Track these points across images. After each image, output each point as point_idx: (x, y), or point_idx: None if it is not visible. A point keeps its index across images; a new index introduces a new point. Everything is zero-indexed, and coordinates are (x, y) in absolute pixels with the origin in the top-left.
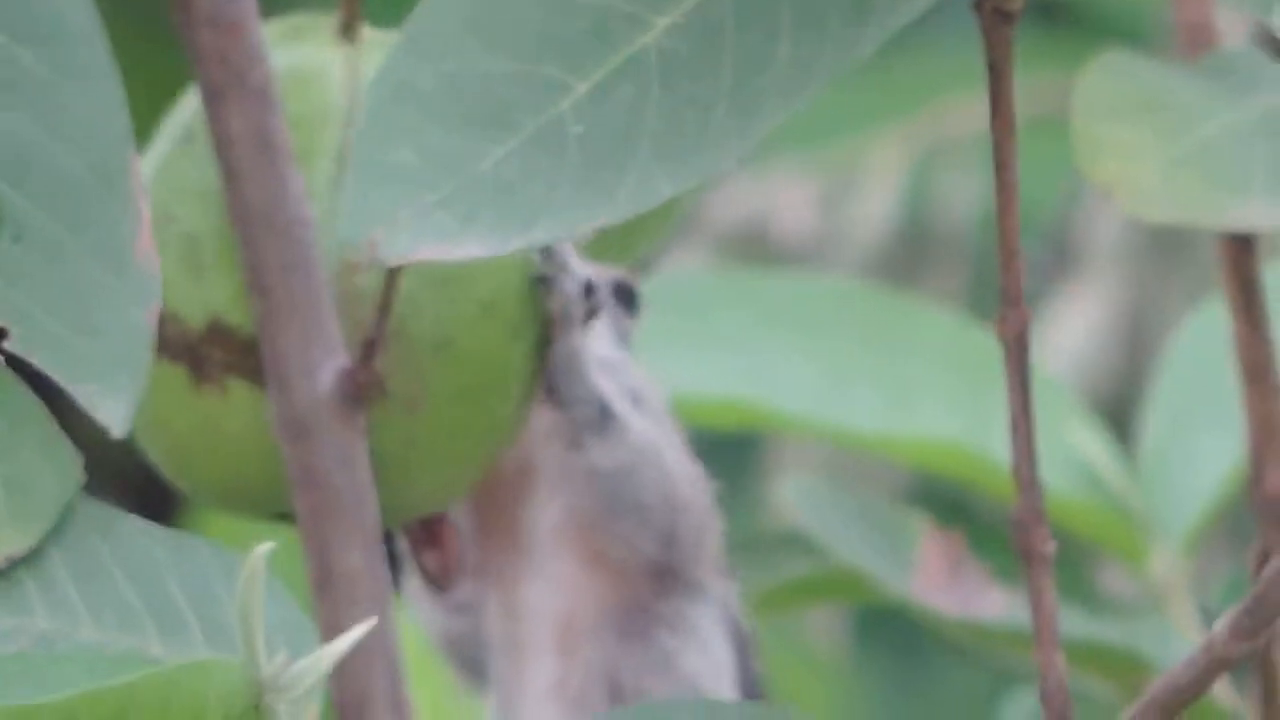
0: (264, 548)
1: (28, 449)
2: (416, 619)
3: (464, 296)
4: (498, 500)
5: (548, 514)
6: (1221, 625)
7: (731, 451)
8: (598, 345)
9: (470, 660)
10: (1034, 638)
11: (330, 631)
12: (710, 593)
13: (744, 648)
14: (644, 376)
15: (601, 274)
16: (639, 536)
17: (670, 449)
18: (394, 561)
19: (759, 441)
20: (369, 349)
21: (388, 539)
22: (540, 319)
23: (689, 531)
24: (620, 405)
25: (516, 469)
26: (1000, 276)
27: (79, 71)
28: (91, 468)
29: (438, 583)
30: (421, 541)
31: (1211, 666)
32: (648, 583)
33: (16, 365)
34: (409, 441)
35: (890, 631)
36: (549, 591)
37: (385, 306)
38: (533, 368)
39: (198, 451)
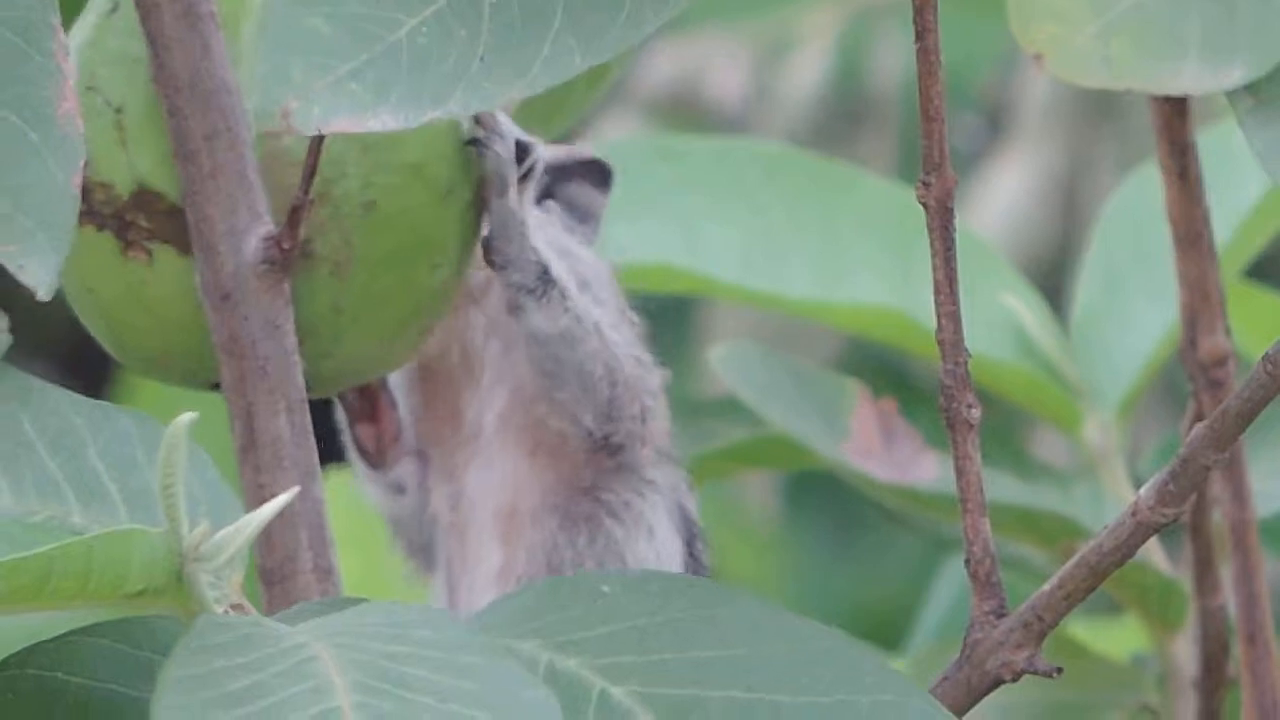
0: (186, 417)
1: None
2: (360, 492)
3: (391, 160)
4: (440, 386)
5: (491, 400)
6: (1147, 490)
7: (664, 317)
8: (547, 227)
9: (413, 542)
10: (959, 504)
11: (255, 498)
12: (657, 482)
13: (692, 539)
14: (593, 260)
15: (570, 151)
16: (579, 405)
17: (615, 329)
18: (334, 432)
19: (691, 307)
20: (294, 215)
21: (325, 409)
22: (472, 183)
23: (631, 408)
24: (560, 271)
25: (459, 355)
26: (923, 142)
27: None
28: (21, 339)
29: (372, 458)
30: (357, 415)
31: (1138, 531)
32: (591, 465)
33: None
34: (336, 307)
35: (824, 498)
36: (492, 478)
37: (309, 173)
38: (465, 233)
39: (127, 319)
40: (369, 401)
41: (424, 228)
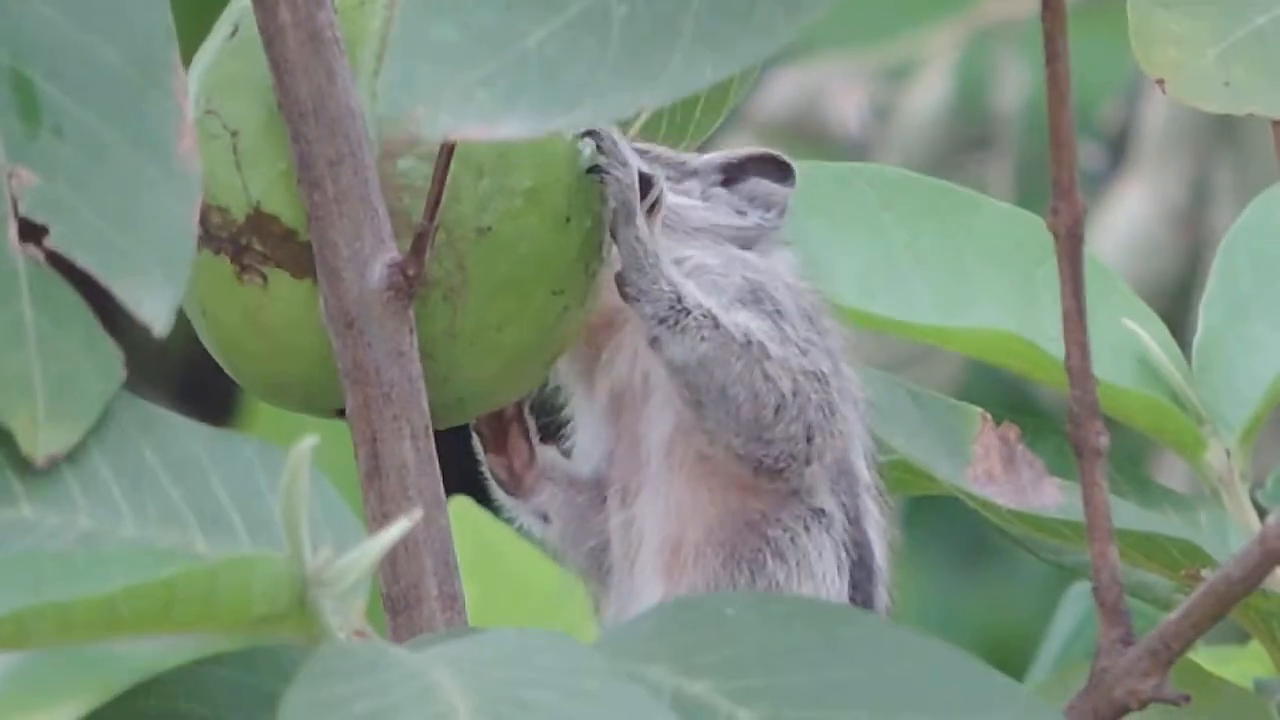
0: (308, 441)
1: (70, 348)
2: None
3: (507, 185)
4: (626, 412)
5: (659, 426)
6: (1275, 518)
7: None
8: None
9: (584, 568)
10: (1087, 531)
11: (380, 525)
12: (828, 511)
13: (863, 580)
14: (768, 265)
15: (744, 150)
16: (725, 429)
17: (782, 343)
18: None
19: None
20: (420, 241)
21: (452, 436)
22: (593, 212)
23: (789, 428)
24: (695, 298)
25: (641, 380)
26: (1052, 168)
27: None
28: (144, 368)
29: (508, 487)
30: (489, 445)
31: (1265, 559)
32: (757, 494)
33: (60, 264)
34: (450, 331)
35: (947, 522)
36: (660, 507)
37: (435, 199)
38: (587, 261)
39: (244, 344)
40: (500, 431)
41: (541, 254)
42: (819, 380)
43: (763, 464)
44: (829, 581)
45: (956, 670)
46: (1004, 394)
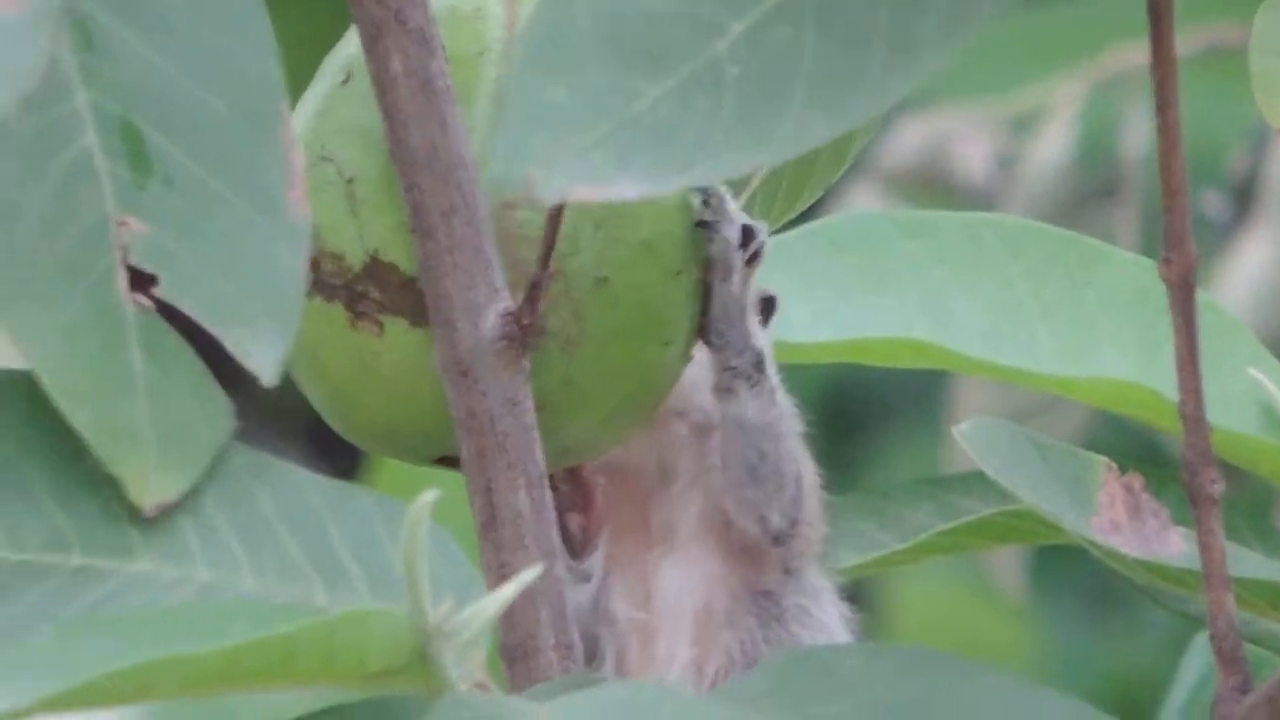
0: (428, 495)
1: (178, 396)
2: None
3: (624, 236)
4: (630, 489)
5: (687, 505)
6: None
7: (910, 392)
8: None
9: (581, 631)
10: (1203, 579)
11: (496, 576)
12: (823, 590)
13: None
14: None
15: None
16: (768, 502)
17: (800, 436)
18: None
19: (938, 381)
20: (534, 290)
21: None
22: (700, 263)
23: (809, 513)
24: (773, 366)
25: (656, 462)
26: (1164, 218)
27: (227, 16)
28: (266, 421)
29: (575, 545)
30: (569, 501)
31: None
32: (767, 568)
33: (169, 312)
34: (565, 381)
35: (1073, 571)
36: (688, 579)
37: (548, 249)
38: (692, 312)
39: (353, 392)
40: (581, 487)
41: (653, 305)
42: (817, 474)
43: (786, 541)
44: (839, 635)
45: None
46: (1129, 443)
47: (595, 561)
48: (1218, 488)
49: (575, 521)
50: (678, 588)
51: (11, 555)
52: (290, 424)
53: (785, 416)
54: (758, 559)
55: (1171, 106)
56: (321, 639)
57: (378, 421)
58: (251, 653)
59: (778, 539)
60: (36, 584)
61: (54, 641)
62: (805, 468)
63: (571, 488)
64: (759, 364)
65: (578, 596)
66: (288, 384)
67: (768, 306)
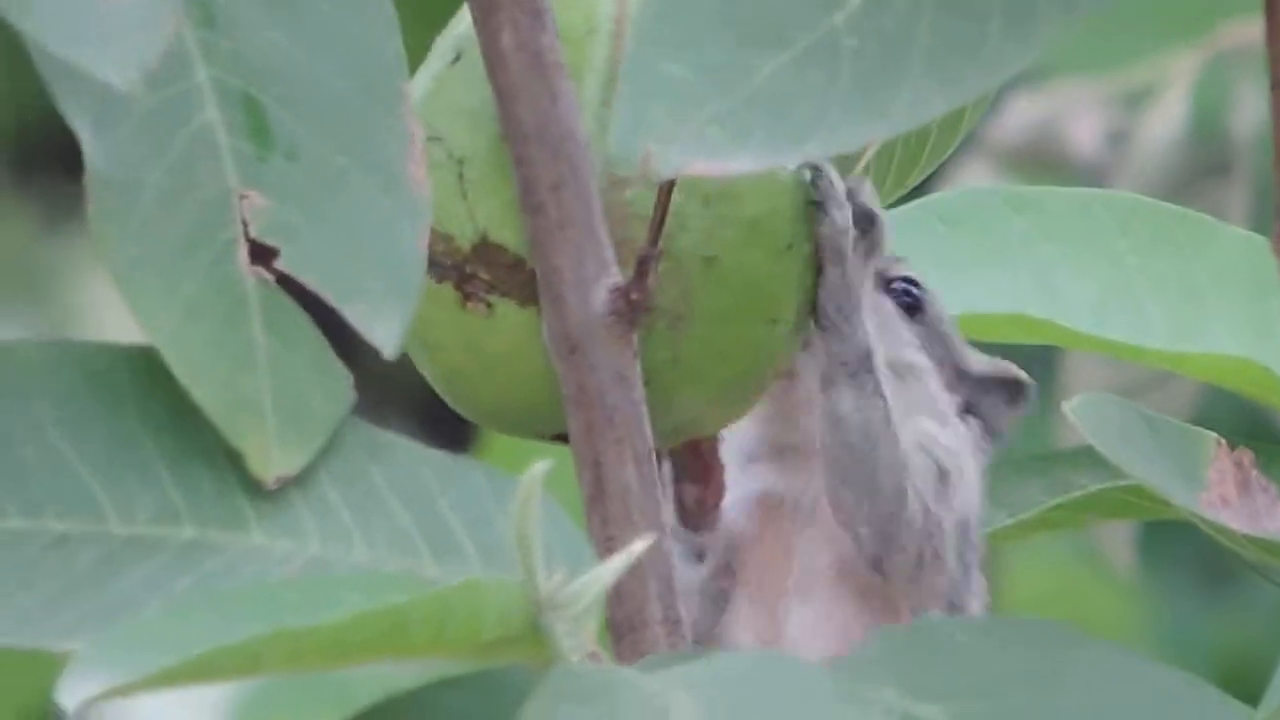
0: (540, 466)
1: (299, 370)
2: None
3: (732, 214)
4: (780, 522)
5: (823, 553)
6: None
7: (1021, 368)
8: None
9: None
10: None
11: (603, 550)
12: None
13: None
14: (958, 438)
15: (995, 366)
16: (858, 511)
17: (923, 475)
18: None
19: (1050, 357)
20: (643, 265)
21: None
22: (812, 239)
23: (910, 546)
24: (883, 368)
25: (811, 498)
26: (1274, 193)
27: None
28: (382, 398)
29: (689, 518)
30: (686, 472)
31: None
32: (902, 615)
33: (290, 287)
34: (673, 359)
35: (1185, 546)
36: (818, 625)
37: (659, 223)
38: (803, 290)
39: (466, 372)
40: (700, 460)
41: (762, 283)
42: (942, 524)
43: (880, 566)
44: None
45: (1185, 695)
46: (1239, 420)
47: (710, 542)
48: None
49: (690, 494)
50: (809, 632)
51: (122, 529)
52: (403, 400)
53: (892, 425)
54: (889, 605)
55: None
56: (434, 610)
57: (488, 399)
58: (362, 625)
59: (874, 562)
60: (147, 558)
61: (163, 616)
62: (911, 501)
63: (691, 458)
64: (865, 357)
65: (689, 576)
66: (401, 359)
67: (914, 304)
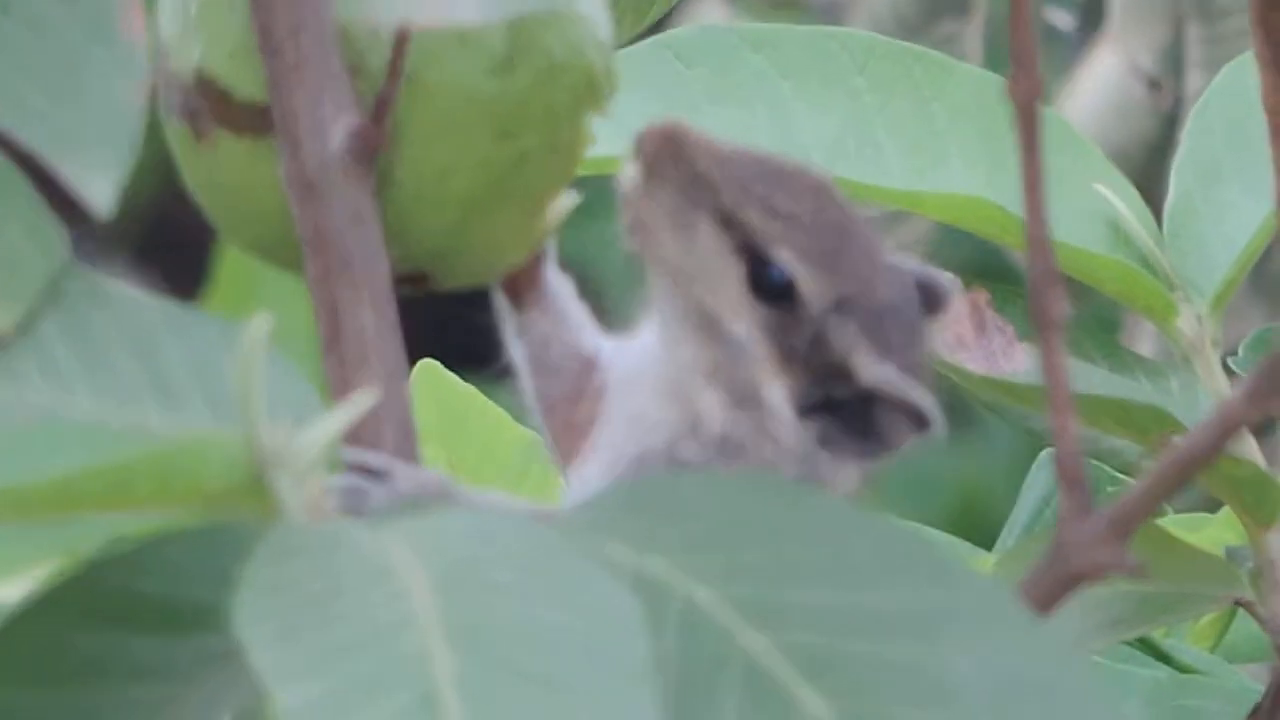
0: (263, 316)
1: (11, 226)
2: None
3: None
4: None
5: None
6: (1239, 385)
7: None
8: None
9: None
10: (1048, 401)
11: (341, 393)
12: None
13: None
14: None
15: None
16: None
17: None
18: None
19: None
20: (380, 107)
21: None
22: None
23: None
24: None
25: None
26: (1011, 39)
27: None
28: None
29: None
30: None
31: (1229, 427)
32: None
33: (2, 143)
34: (388, 180)
35: None
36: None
37: (396, 66)
38: (549, 104)
39: (214, 209)
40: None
41: (475, 98)
42: None
43: None
44: None
45: (911, 549)
46: (974, 258)
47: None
48: (1062, 311)
49: (504, 286)
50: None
51: None
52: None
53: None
54: None
55: None
56: (157, 465)
57: (242, 235)
58: (86, 480)
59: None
60: None
61: None
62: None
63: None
64: None
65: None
66: (128, 210)
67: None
